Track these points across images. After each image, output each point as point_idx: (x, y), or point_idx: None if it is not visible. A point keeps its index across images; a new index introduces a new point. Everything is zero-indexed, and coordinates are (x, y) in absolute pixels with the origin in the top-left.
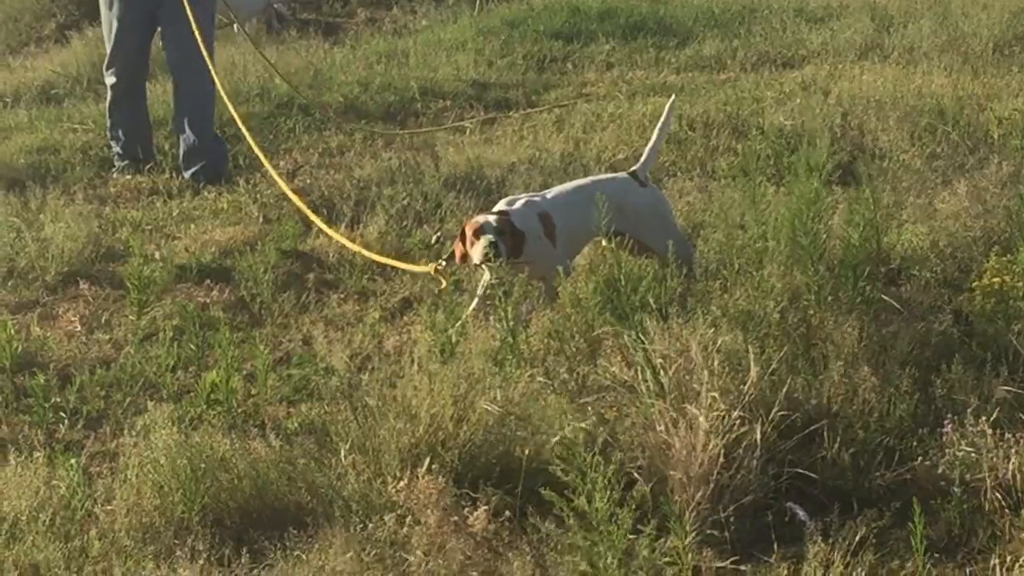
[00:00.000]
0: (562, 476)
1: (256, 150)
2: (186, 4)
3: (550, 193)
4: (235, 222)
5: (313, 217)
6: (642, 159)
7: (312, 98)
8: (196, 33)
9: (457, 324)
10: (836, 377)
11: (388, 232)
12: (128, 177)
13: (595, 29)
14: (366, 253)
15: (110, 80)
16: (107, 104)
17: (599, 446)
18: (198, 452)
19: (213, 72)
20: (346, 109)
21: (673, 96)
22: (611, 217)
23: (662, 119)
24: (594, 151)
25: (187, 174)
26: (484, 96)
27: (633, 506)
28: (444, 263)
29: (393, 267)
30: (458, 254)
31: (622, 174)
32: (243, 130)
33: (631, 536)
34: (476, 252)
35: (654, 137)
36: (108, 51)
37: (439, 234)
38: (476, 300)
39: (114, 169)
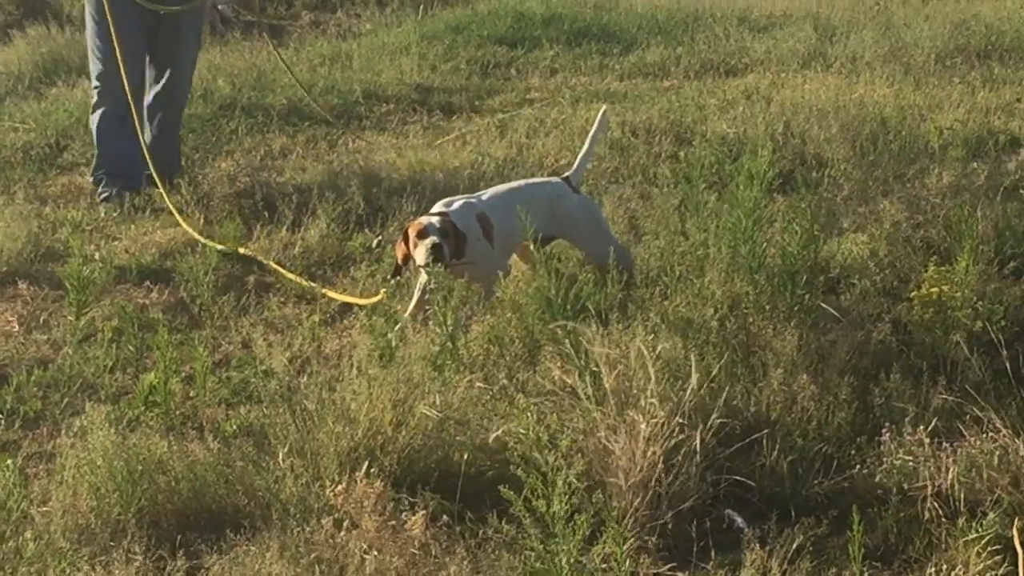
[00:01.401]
0: (522, 476)
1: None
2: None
3: (485, 195)
4: (176, 224)
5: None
6: (575, 166)
7: (322, 105)
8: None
9: (396, 328)
10: (775, 385)
11: (329, 235)
12: (114, 206)
13: (539, 35)
14: (325, 291)
15: (104, 105)
16: (95, 130)
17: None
18: (135, 454)
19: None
20: (289, 111)
21: (604, 107)
22: (543, 220)
23: (594, 128)
24: (536, 156)
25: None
26: (428, 100)
27: (592, 512)
28: (392, 280)
29: (339, 293)
30: (400, 256)
31: (555, 179)
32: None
33: (579, 542)
34: (420, 254)
35: (586, 145)
36: (99, 73)
37: (379, 238)
38: (413, 302)
39: (102, 199)
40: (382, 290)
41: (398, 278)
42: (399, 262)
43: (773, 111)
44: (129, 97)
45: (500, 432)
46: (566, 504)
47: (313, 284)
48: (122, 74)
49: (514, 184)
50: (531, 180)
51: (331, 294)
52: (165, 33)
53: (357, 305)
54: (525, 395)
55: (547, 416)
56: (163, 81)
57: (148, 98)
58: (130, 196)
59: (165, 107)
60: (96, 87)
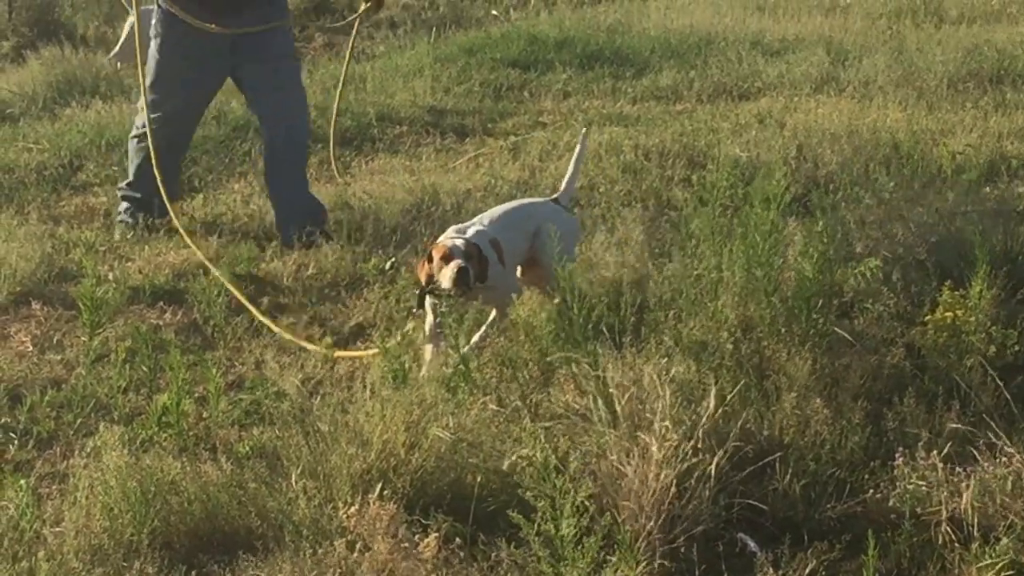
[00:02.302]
0: (531, 500)
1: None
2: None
3: (486, 219)
4: (189, 244)
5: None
6: (563, 187)
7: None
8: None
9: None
10: (788, 409)
11: (342, 257)
12: (130, 231)
13: (552, 58)
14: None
15: (153, 129)
16: (138, 155)
17: (563, 472)
18: (148, 475)
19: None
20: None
21: (585, 128)
22: (534, 240)
23: (577, 149)
24: (549, 179)
25: (286, 237)
26: (441, 123)
27: (601, 535)
28: (418, 311)
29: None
30: (424, 279)
31: (546, 200)
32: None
33: (589, 565)
34: (446, 277)
35: (571, 166)
36: (154, 101)
37: (393, 260)
38: (428, 332)
39: (122, 224)
40: (374, 349)
41: (423, 307)
42: (423, 285)
43: (786, 135)
44: (182, 125)
45: (515, 458)
46: (574, 527)
47: (312, 345)
48: (180, 104)
49: (510, 205)
50: (525, 200)
51: (340, 353)
52: (251, 70)
53: (356, 357)
54: (538, 418)
55: (558, 439)
56: (268, 125)
57: (265, 148)
58: (143, 217)
59: (275, 153)
60: (146, 124)
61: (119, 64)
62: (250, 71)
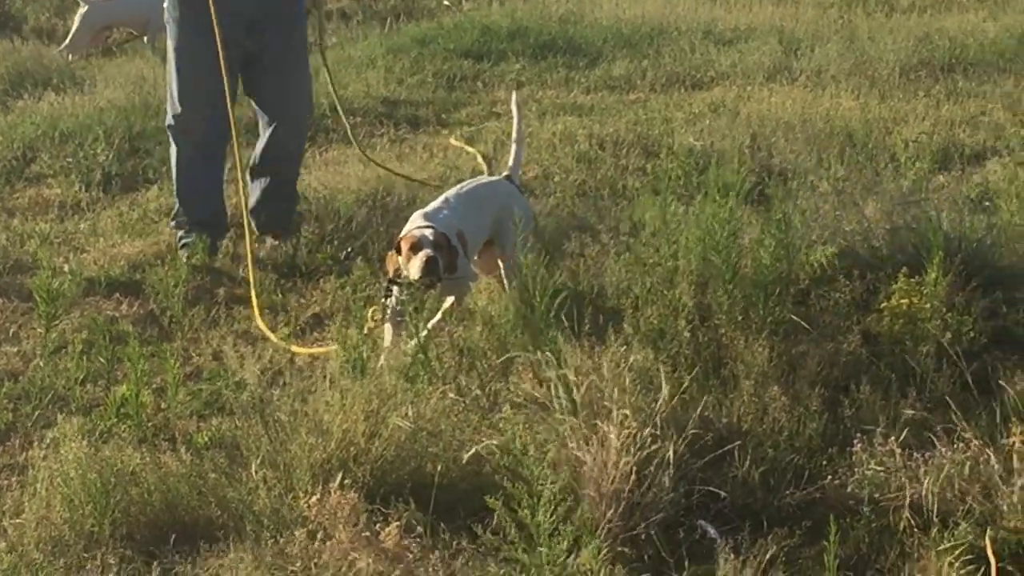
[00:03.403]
0: (509, 488)
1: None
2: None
3: (451, 202)
4: (144, 235)
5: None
6: (511, 163)
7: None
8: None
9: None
10: (746, 396)
11: (299, 248)
12: (192, 252)
13: (505, 48)
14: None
15: (181, 133)
16: (176, 167)
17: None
18: (108, 466)
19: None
20: (254, 124)
21: (515, 93)
22: (492, 222)
23: (516, 119)
24: (504, 169)
25: (255, 222)
26: (395, 113)
27: (577, 523)
28: (386, 301)
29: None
30: (391, 269)
31: (500, 178)
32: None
33: (564, 553)
34: (414, 268)
35: (514, 139)
36: (177, 95)
37: (349, 250)
38: (388, 330)
39: (184, 247)
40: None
41: (389, 297)
42: (390, 276)
43: (740, 124)
44: (216, 126)
45: (480, 448)
46: (551, 515)
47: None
48: (211, 100)
49: (468, 186)
50: (481, 180)
51: (296, 349)
52: (264, 55)
53: (317, 354)
54: (497, 407)
55: (519, 428)
56: (274, 125)
57: (259, 144)
58: (219, 243)
59: (276, 158)
60: (171, 126)
61: (70, 56)
62: (263, 56)
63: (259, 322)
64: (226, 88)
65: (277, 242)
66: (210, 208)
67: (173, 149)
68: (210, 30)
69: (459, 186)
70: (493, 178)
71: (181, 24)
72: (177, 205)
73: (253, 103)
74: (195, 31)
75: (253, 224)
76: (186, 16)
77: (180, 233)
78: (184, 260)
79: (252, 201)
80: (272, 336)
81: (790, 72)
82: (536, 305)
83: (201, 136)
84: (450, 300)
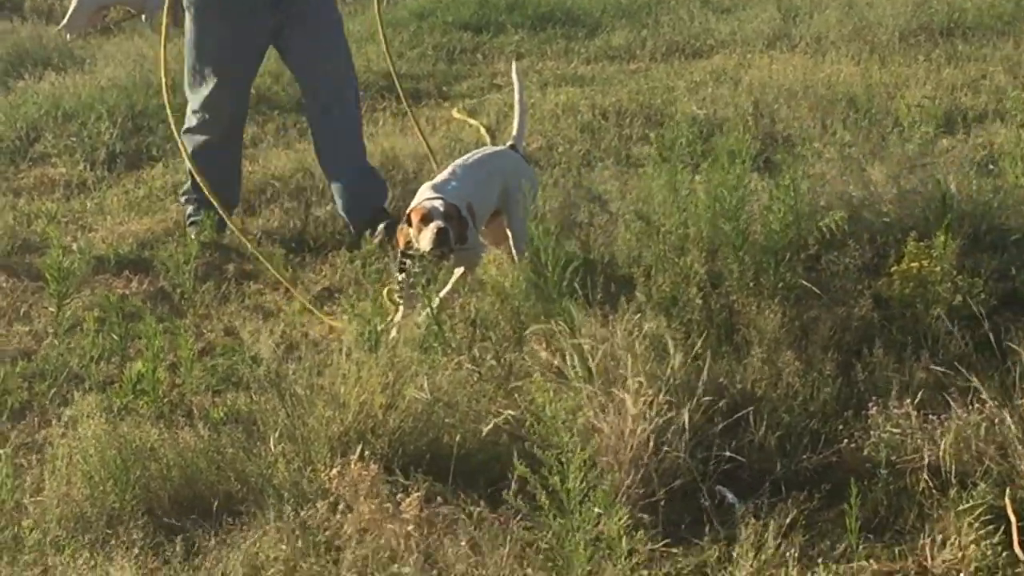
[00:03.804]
0: (539, 455)
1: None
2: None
3: (459, 174)
4: (151, 212)
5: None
6: (515, 132)
7: None
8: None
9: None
10: (759, 362)
11: (306, 221)
12: (201, 229)
13: (504, 20)
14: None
15: (203, 119)
16: (189, 152)
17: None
18: (127, 442)
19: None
20: (258, 100)
21: (515, 62)
22: (499, 193)
23: (517, 89)
24: (507, 140)
25: (349, 218)
26: (395, 87)
27: (605, 491)
28: (400, 275)
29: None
30: (402, 241)
31: (505, 148)
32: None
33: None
34: (425, 239)
35: (517, 108)
36: (199, 79)
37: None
38: (400, 309)
39: (192, 224)
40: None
41: (403, 271)
42: (400, 246)
43: (742, 92)
44: (235, 112)
45: (499, 421)
46: (581, 482)
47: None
48: (231, 84)
49: (474, 157)
50: (487, 150)
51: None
52: (295, 35)
53: (328, 322)
54: (512, 376)
55: (548, 395)
56: (320, 97)
57: (314, 124)
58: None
59: (331, 125)
60: (195, 111)
61: (68, 35)
62: (294, 37)
63: (322, 317)
64: (247, 71)
65: (380, 236)
66: (228, 188)
67: (190, 130)
68: (233, 14)
69: (465, 157)
70: (498, 148)
71: (203, 9)
72: (188, 182)
73: (296, 78)
74: (219, 14)
75: (351, 227)
76: (208, 1)
77: (189, 209)
78: (193, 237)
79: (339, 204)
80: (331, 321)
81: (789, 39)
82: (548, 275)
83: (226, 118)
84: (460, 270)
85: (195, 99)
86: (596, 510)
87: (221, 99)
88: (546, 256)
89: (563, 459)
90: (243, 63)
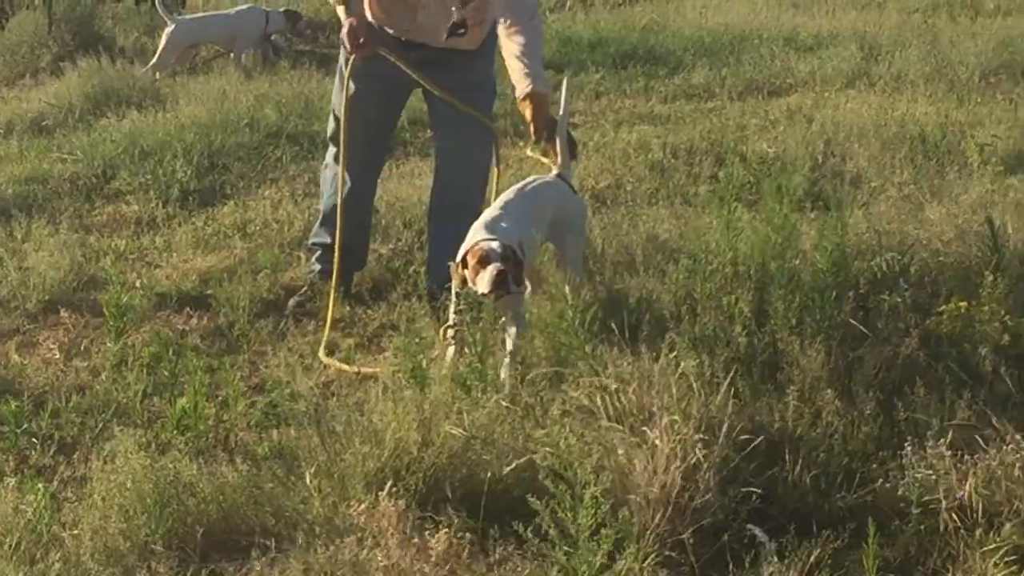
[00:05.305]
0: (551, 488)
1: None
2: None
3: (505, 215)
4: (217, 249)
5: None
6: (560, 160)
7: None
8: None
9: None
10: (799, 401)
11: (372, 261)
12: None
13: (585, 58)
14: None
15: (345, 175)
16: (325, 207)
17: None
18: (164, 476)
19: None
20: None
21: (566, 77)
22: (547, 225)
23: (563, 103)
24: (577, 179)
25: (433, 288)
26: None
27: (617, 528)
28: (456, 319)
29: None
30: (457, 283)
31: (552, 177)
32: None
33: (603, 556)
34: (483, 282)
35: (560, 128)
36: (342, 136)
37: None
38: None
39: (314, 273)
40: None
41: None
42: (457, 288)
43: (814, 130)
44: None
45: (526, 459)
46: (591, 518)
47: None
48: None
49: (520, 190)
50: (534, 182)
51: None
52: (440, 109)
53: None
54: (548, 416)
55: (567, 431)
56: (450, 183)
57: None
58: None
59: (449, 215)
60: (334, 157)
61: (156, 74)
62: (440, 109)
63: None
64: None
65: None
66: (357, 243)
67: (330, 175)
68: (382, 76)
69: (512, 190)
70: (546, 178)
71: (355, 74)
72: (317, 226)
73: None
74: (368, 76)
75: (428, 283)
76: (360, 68)
77: (314, 257)
78: (310, 287)
79: (428, 259)
80: (366, 370)
81: (869, 78)
82: (573, 316)
83: (360, 172)
84: (513, 330)
85: (339, 152)
86: (605, 546)
87: (363, 155)
88: (572, 298)
89: (576, 495)
90: (385, 123)
